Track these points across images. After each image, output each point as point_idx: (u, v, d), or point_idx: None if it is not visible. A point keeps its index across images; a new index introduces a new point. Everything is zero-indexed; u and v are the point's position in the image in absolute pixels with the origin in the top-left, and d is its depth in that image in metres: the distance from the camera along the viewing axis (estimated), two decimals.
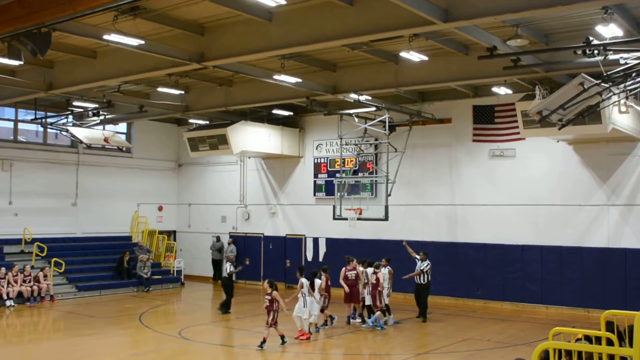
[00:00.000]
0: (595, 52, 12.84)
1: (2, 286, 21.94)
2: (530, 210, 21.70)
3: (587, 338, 7.78)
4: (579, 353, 7.10)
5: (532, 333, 17.56)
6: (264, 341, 15.15)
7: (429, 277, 19.50)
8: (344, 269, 18.88)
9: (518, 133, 20.53)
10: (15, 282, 22.36)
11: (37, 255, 24.66)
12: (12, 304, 21.92)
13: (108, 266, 26.64)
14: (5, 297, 21.87)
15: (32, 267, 23.56)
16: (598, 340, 7.45)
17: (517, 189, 22.00)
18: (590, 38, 12.88)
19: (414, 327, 18.74)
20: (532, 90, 18.42)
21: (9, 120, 26.92)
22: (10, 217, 25.26)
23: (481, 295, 22.54)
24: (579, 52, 13.11)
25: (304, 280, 16.69)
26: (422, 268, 19.39)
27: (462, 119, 23.01)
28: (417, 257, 19.77)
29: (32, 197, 25.99)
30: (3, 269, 22.28)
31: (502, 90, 20.17)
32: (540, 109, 15.09)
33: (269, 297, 15.38)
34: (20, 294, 22.31)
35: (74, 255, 26.22)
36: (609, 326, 8.64)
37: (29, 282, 22.71)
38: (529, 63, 16.04)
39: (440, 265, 23.21)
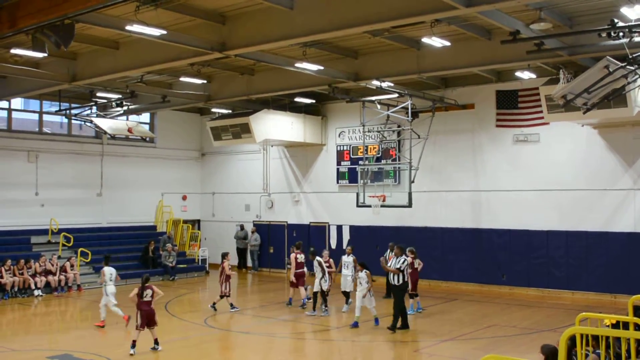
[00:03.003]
0: (621, 34, 12.67)
1: (30, 276, 22.29)
2: (555, 195, 21.51)
3: (616, 324, 7.72)
4: (607, 338, 7.04)
5: (558, 319, 17.46)
6: (156, 343, 14.15)
7: (405, 276, 16.50)
8: (294, 253, 19.57)
9: (542, 118, 20.36)
10: (43, 272, 22.70)
11: (63, 245, 24.98)
12: (40, 293, 22.26)
13: (133, 255, 26.90)
14: (33, 286, 22.21)
15: (59, 257, 23.88)
16: (626, 325, 7.39)
17: (542, 174, 21.82)
18: (615, 20, 12.70)
19: (438, 313, 18.71)
20: (556, 74, 18.22)
21: (34, 112, 27.25)
22: (37, 208, 25.61)
23: (506, 282, 22.44)
24: (604, 34, 12.95)
25: (106, 269, 17.00)
26: (398, 266, 16.33)
27: (485, 104, 22.83)
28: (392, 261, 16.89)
29: (57, 188, 26.31)
30: (32, 261, 22.66)
31: (525, 75, 19.97)
32: (565, 93, 14.93)
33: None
34: (47, 283, 22.63)
35: (99, 245, 26.51)
36: (637, 311, 8.57)
37: (57, 272, 23.03)
38: (553, 47, 15.83)
39: (465, 251, 23.22)
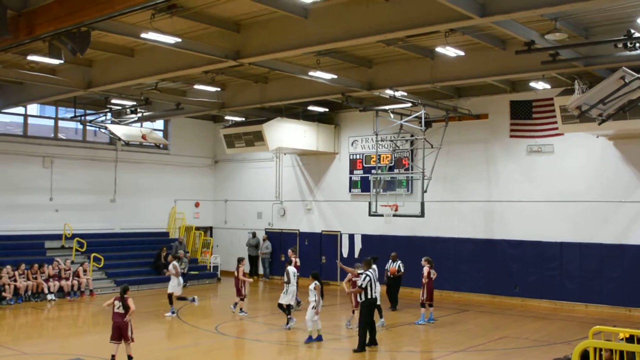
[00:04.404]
0: (637, 44, 12.60)
1: (43, 281, 22.43)
2: (569, 206, 21.36)
3: (630, 338, 7.63)
4: (621, 353, 6.96)
5: (571, 332, 17.31)
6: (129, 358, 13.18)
7: (369, 293, 15.20)
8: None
9: (556, 128, 20.24)
10: (56, 275, 22.84)
11: (77, 250, 25.10)
12: (54, 298, 22.37)
13: (146, 261, 26.98)
14: (46, 291, 22.33)
15: (72, 262, 24.01)
16: None
17: (556, 185, 21.69)
18: (632, 30, 12.63)
19: (449, 324, 18.62)
20: (571, 84, 18.13)
21: (49, 118, 27.47)
22: (51, 213, 25.77)
23: (518, 293, 22.30)
24: (620, 45, 12.90)
25: None
26: (359, 284, 15.36)
27: (499, 114, 22.75)
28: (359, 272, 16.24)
29: (72, 193, 26.47)
30: (45, 265, 22.80)
31: (540, 85, 19.90)
32: (580, 103, 14.87)
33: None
34: (61, 288, 22.75)
35: (112, 250, 26.63)
36: None
37: (69, 277, 23.15)
38: (568, 57, 15.77)
39: (477, 262, 23.10)
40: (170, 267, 19.97)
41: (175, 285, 19.78)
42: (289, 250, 21.24)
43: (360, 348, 14.81)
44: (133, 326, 13.32)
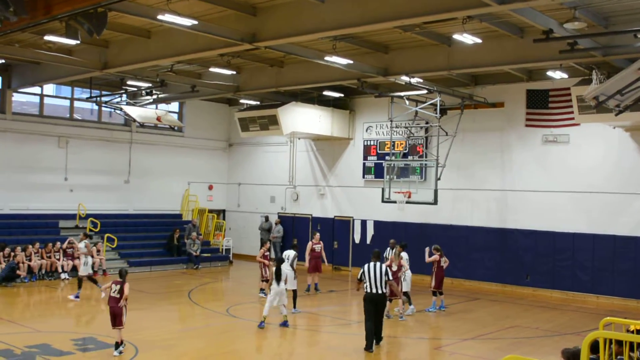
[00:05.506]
0: None
1: (58, 259, 22.66)
2: (584, 197, 21.24)
3: None
4: (631, 344, 6.94)
5: (582, 322, 17.27)
6: (116, 345, 12.80)
7: (367, 287, 13.77)
8: (310, 242, 21.24)
9: (573, 119, 20.11)
10: (69, 255, 23.06)
11: (90, 230, 25.26)
12: (67, 277, 22.59)
13: (158, 243, 27.15)
14: (60, 270, 22.55)
15: None
16: None
17: (570, 175, 21.55)
18: None
19: (460, 312, 18.63)
20: (588, 74, 17.96)
21: (65, 98, 27.61)
22: (65, 193, 25.96)
23: (530, 283, 22.25)
24: (639, 35, 12.75)
25: None
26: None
27: (515, 103, 22.61)
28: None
29: (86, 173, 26.64)
30: (59, 243, 23.01)
31: (557, 75, 19.72)
32: (597, 94, 14.76)
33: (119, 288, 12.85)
34: (74, 267, 22.94)
35: (126, 231, 26.81)
36: None
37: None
38: (587, 47, 15.61)
39: (489, 251, 23.06)
40: (81, 245, 19.47)
41: (82, 265, 19.20)
42: (316, 234, 21.63)
43: (367, 346, 13.60)
44: (128, 309, 13.31)
